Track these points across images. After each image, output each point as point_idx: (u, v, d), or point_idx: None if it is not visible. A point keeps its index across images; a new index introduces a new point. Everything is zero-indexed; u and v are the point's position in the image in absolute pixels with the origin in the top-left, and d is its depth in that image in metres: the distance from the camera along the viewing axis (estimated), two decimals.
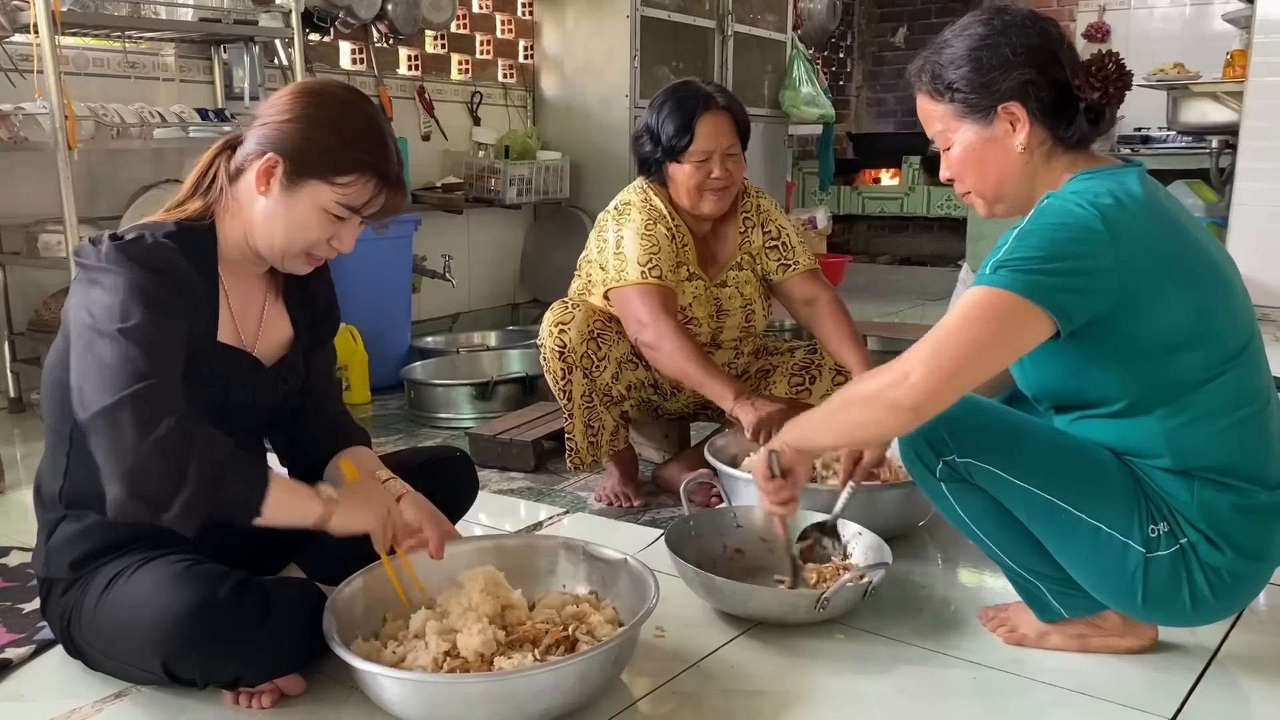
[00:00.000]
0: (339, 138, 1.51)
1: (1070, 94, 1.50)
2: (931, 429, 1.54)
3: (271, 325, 1.68)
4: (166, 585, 1.45)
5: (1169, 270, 1.45)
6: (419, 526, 1.64)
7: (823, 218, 6.24)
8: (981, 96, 1.52)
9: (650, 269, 2.36)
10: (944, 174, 1.63)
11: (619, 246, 2.41)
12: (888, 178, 7.26)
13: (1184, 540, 1.50)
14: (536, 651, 1.47)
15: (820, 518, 1.96)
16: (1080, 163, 1.54)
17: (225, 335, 1.59)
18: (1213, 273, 1.51)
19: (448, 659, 1.47)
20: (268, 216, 1.54)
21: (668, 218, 2.45)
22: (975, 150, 1.56)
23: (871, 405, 1.46)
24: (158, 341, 1.41)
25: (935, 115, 1.59)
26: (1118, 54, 1.50)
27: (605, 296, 2.45)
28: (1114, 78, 1.49)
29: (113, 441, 1.35)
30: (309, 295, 1.75)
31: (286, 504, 1.47)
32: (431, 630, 1.53)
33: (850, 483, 1.93)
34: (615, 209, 2.50)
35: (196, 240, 1.54)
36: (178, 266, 1.48)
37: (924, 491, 1.69)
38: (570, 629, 1.52)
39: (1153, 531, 1.50)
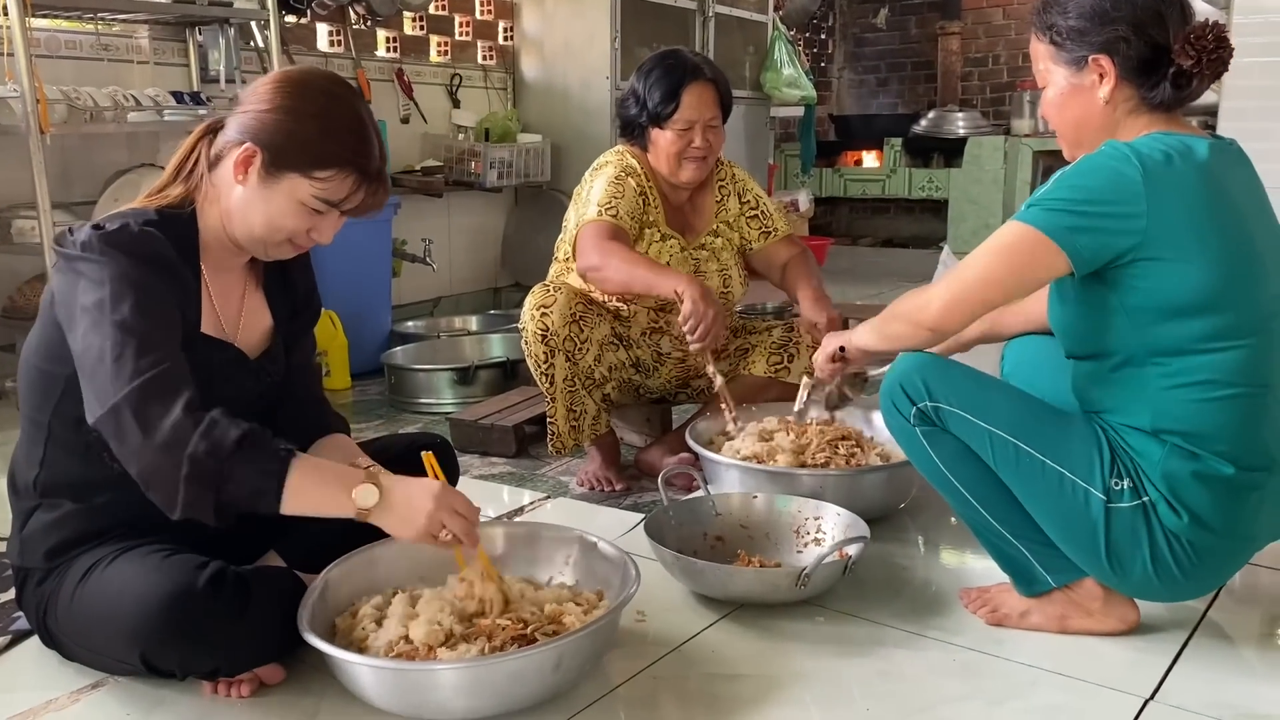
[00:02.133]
0: (319, 131, 1.49)
1: (1165, 57, 1.53)
2: (908, 379, 1.67)
3: (252, 316, 1.66)
4: (144, 575, 1.43)
5: (1197, 236, 1.48)
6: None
7: (805, 200, 6.24)
8: (1076, 44, 1.58)
9: (607, 209, 2.39)
10: (1041, 111, 1.72)
11: (588, 196, 2.44)
12: (869, 160, 7.25)
13: (1146, 498, 1.55)
14: (487, 646, 1.46)
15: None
16: (1158, 125, 1.57)
17: (207, 327, 1.57)
18: (1245, 252, 1.52)
19: (403, 643, 1.48)
20: (245, 206, 1.51)
21: (642, 177, 2.48)
22: (1064, 94, 1.62)
23: (905, 322, 1.68)
24: (154, 328, 1.40)
25: (1039, 54, 1.66)
26: (1223, 27, 1.52)
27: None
28: (1210, 49, 1.51)
29: (121, 446, 1.35)
30: (289, 285, 1.73)
31: (311, 497, 1.40)
32: (394, 615, 1.54)
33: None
34: (591, 170, 2.54)
35: (178, 228, 1.52)
36: (164, 254, 1.46)
37: (901, 444, 1.74)
38: (531, 628, 1.50)
39: (1115, 484, 1.55)
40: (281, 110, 1.49)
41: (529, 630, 1.49)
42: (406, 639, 1.49)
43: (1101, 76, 1.57)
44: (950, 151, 6.80)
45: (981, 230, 6.59)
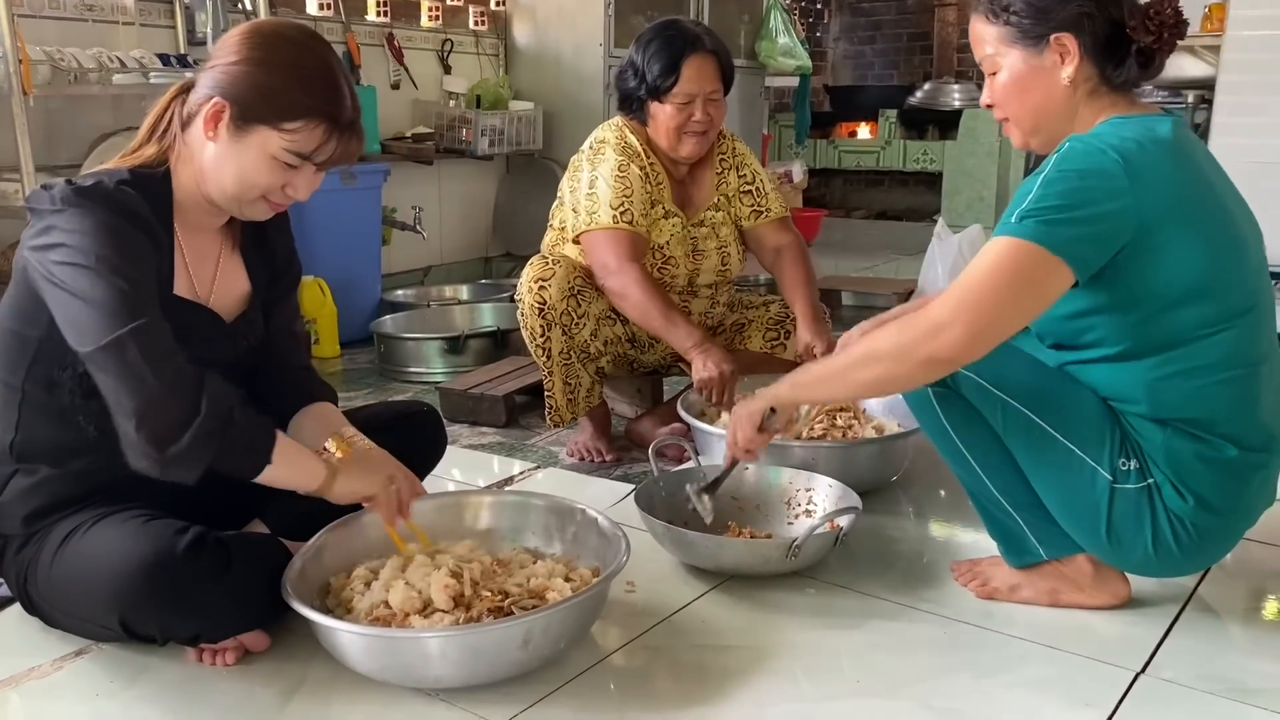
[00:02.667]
0: (286, 82, 1.45)
1: (1124, 35, 1.48)
2: None
3: (227, 279, 1.63)
4: (122, 540, 1.42)
5: (1184, 219, 1.45)
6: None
7: (798, 171, 6.19)
8: (1036, 23, 1.51)
9: (622, 213, 2.33)
10: (985, 99, 1.62)
11: (591, 188, 2.38)
12: (864, 131, 7.21)
13: (1151, 480, 1.53)
14: (463, 617, 1.45)
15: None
16: (1120, 106, 1.53)
17: (180, 289, 1.55)
18: (1228, 230, 1.50)
19: (383, 607, 1.48)
20: (217, 163, 1.48)
21: (643, 156, 2.42)
22: (1021, 78, 1.54)
23: (904, 360, 1.45)
24: (140, 275, 1.39)
25: (987, 38, 1.57)
26: (1177, 0, 1.48)
27: (576, 241, 2.42)
28: (1170, 24, 1.47)
29: (123, 375, 1.33)
30: (267, 249, 1.70)
31: (293, 460, 1.49)
32: (382, 579, 1.54)
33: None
34: (590, 147, 2.47)
35: (151, 188, 1.49)
36: (138, 212, 1.43)
37: (911, 404, 1.69)
38: (509, 602, 1.48)
39: (1123, 465, 1.53)
40: (248, 62, 1.45)
41: (506, 603, 1.48)
42: (387, 604, 1.48)
43: (1063, 56, 1.50)
44: (945, 124, 6.77)
45: (975, 203, 6.58)
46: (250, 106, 1.45)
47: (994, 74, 1.57)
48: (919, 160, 6.83)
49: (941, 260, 4.13)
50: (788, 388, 1.66)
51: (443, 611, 1.46)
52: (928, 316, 1.43)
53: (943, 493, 2.24)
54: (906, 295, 4.28)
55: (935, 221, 4.58)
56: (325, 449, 1.60)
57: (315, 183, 1.53)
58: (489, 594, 1.49)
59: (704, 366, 2.20)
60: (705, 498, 1.86)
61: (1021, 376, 1.57)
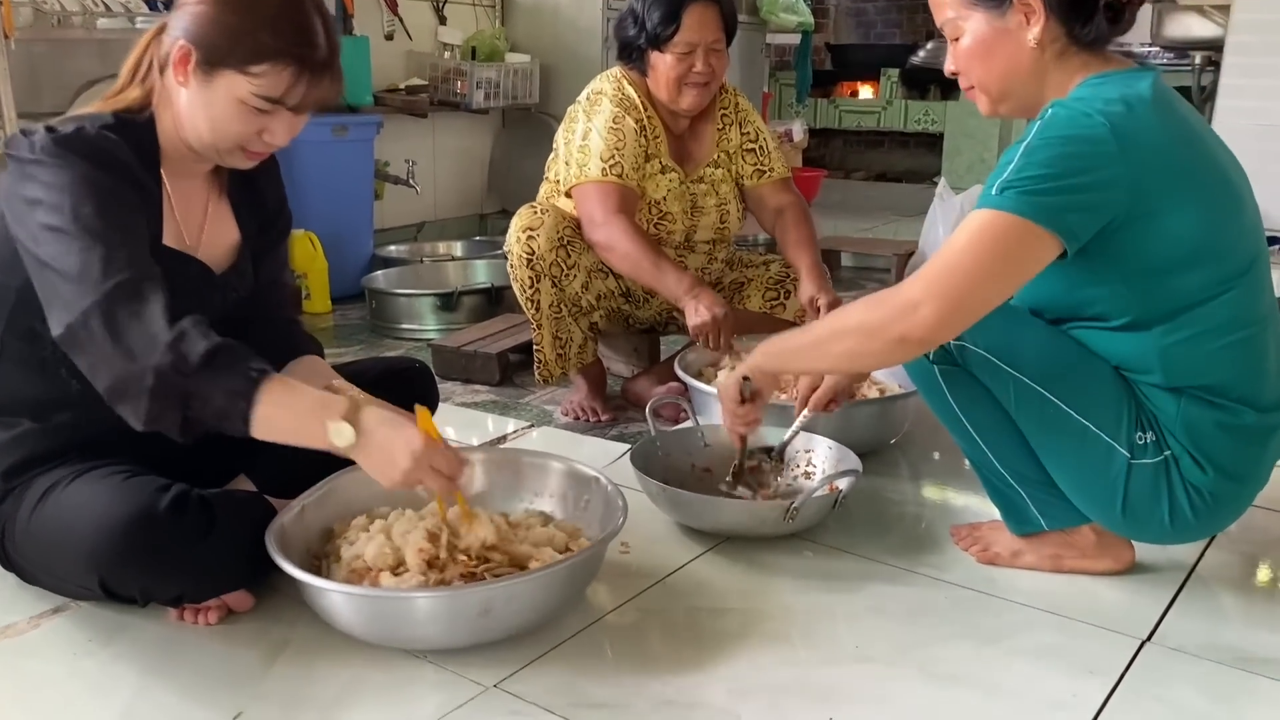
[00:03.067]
0: (250, 22, 1.37)
1: None
2: None
3: (216, 227, 1.58)
4: (102, 497, 1.37)
5: (1179, 180, 1.39)
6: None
7: (799, 131, 6.11)
8: None
9: (612, 166, 2.28)
10: (949, 67, 1.55)
11: (585, 140, 2.33)
12: (865, 91, 7.11)
13: (1168, 453, 1.48)
14: (433, 579, 1.41)
15: (773, 441, 1.91)
16: (1094, 65, 1.46)
17: (169, 239, 1.49)
18: (1224, 186, 1.45)
19: (360, 561, 1.46)
20: (191, 109, 1.42)
21: (640, 109, 2.36)
22: (985, 41, 1.47)
23: (874, 338, 1.41)
24: (119, 232, 1.32)
25: (947, 1, 1.50)
26: None
27: (568, 194, 2.36)
28: None
29: (89, 358, 1.28)
30: (257, 196, 1.63)
31: (283, 425, 1.30)
32: (367, 534, 1.51)
33: (806, 412, 1.87)
34: (587, 98, 2.41)
35: (136, 134, 1.43)
36: (123, 160, 1.38)
37: (914, 379, 1.64)
38: (483, 568, 1.44)
39: (1140, 439, 1.48)
40: (213, 3, 1.39)
41: (479, 570, 1.44)
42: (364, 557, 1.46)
43: (1028, 16, 1.43)
44: (948, 83, 6.63)
45: (976, 165, 6.50)
46: (214, 50, 1.38)
47: (956, 39, 1.50)
48: (920, 121, 6.74)
49: (943, 221, 4.06)
50: (760, 356, 1.62)
51: (411, 574, 1.42)
52: (900, 294, 1.39)
53: (938, 455, 2.21)
54: (906, 256, 4.23)
55: (935, 184, 4.52)
56: (344, 409, 1.34)
57: (295, 127, 1.47)
58: (464, 558, 1.45)
59: (696, 312, 2.15)
60: (739, 488, 1.85)
61: (1033, 349, 1.51)
